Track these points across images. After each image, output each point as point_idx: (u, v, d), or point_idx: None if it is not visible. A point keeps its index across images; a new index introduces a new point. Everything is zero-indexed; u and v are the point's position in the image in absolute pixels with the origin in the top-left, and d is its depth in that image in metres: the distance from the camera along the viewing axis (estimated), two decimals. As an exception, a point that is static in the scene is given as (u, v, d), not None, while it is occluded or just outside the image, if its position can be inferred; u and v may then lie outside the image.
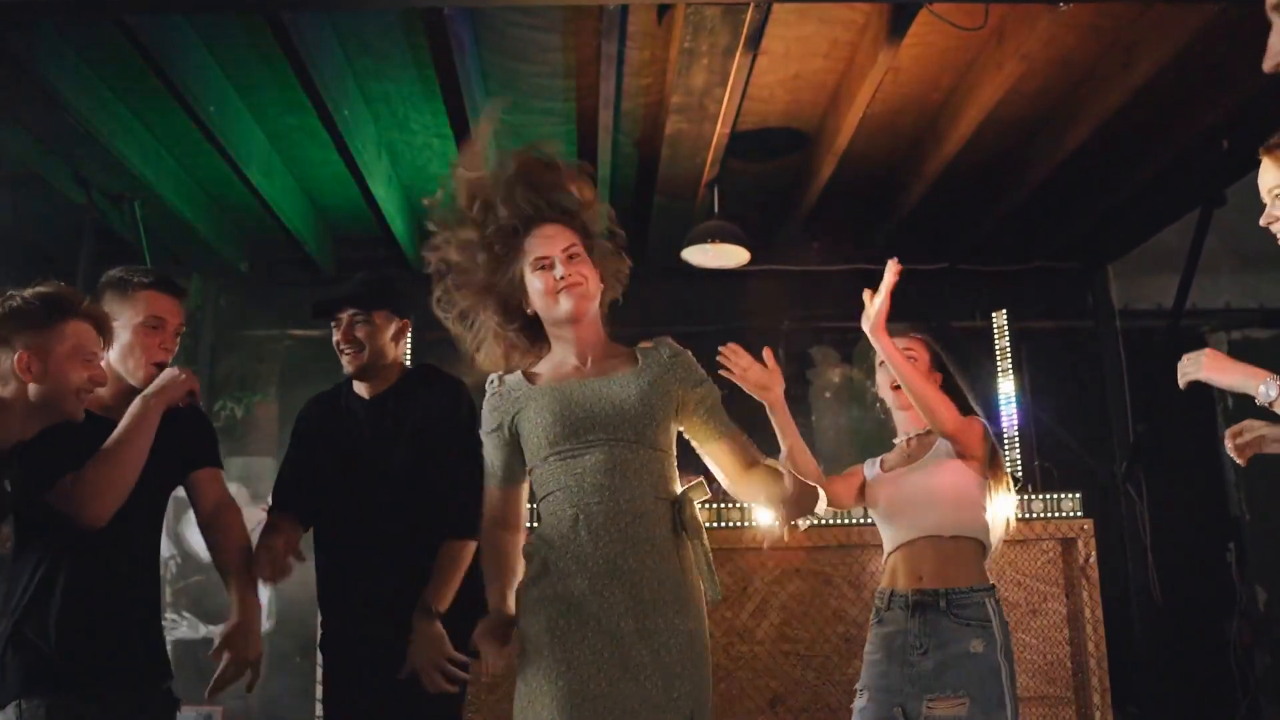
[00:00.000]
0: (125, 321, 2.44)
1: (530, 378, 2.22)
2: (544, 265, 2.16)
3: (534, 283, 2.17)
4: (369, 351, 2.74)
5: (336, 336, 2.77)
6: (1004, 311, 4.57)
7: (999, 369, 4.57)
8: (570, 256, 2.16)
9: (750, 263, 5.17)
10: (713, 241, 4.65)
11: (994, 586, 2.60)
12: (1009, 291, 5.47)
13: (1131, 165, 4.97)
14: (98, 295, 2.47)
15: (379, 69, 4.17)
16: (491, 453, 2.24)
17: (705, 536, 2.12)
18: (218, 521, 2.57)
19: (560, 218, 2.22)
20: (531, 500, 2.22)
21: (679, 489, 2.15)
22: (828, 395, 6.02)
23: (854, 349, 6.08)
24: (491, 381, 2.26)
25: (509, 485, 2.24)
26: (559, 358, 2.23)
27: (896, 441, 2.86)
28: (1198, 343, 6.43)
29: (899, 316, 2.81)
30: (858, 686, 2.68)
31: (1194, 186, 5.04)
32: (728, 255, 4.84)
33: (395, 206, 5.22)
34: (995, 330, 4.61)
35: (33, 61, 3.67)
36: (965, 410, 2.75)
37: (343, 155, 4.64)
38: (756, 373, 2.54)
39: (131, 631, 2.40)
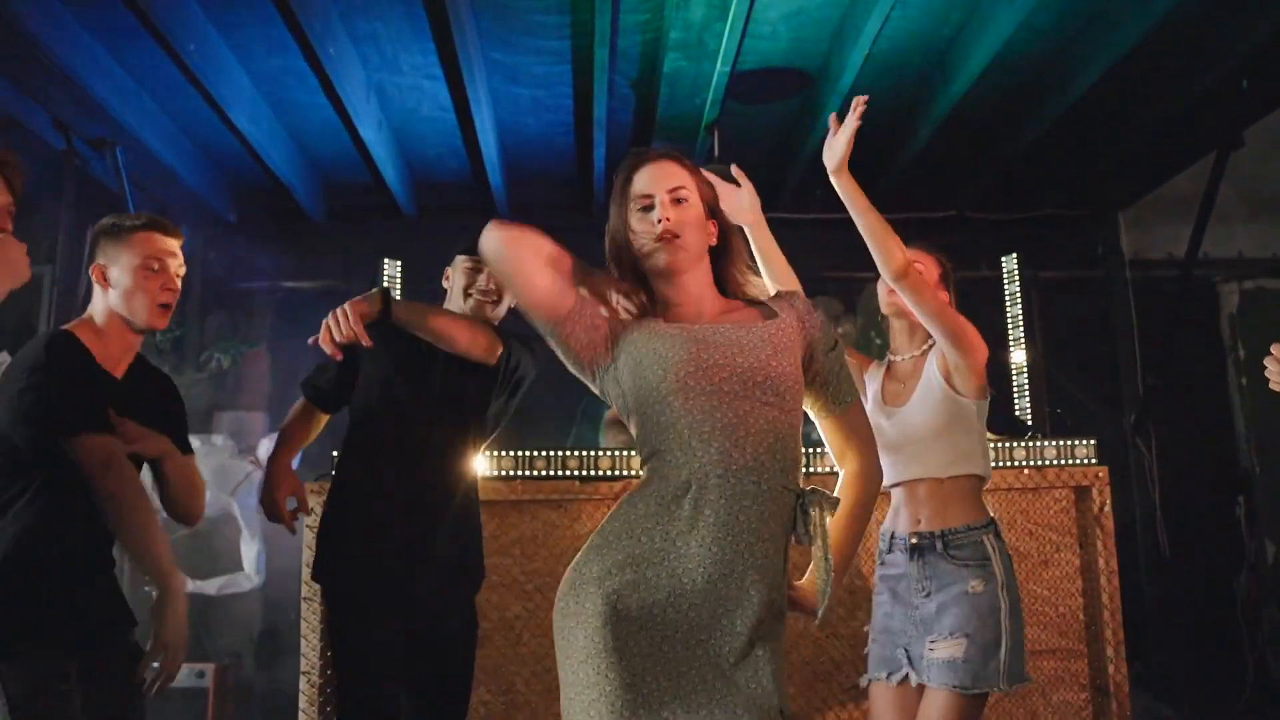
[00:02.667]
0: (124, 266, 2.36)
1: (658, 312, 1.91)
2: (645, 206, 1.88)
3: (635, 224, 1.89)
4: (499, 304, 2.76)
5: (472, 279, 2.74)
6: (1014, 256, 4.42)
7: (1008, 316, 4.43)
8: (676, 200, 1.87)
9: (751, 210, 5.03)
10: (712, 186, 4.50)
11: (993, 521, 2.52)
12: (1017, 240, 5.34)
13: (1146, 106, 4.83)
14: (93, 246, 2.41)
15: (366, 5, 4.01)
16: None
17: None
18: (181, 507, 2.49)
19: (673, 154, 1.93)
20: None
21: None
22: (831, 347, 5.89)
23: (858, 299, 5.95)
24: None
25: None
26: (668, 307, 1.91)
27: (892, 359, 2.74)
28: (1209, 293, 6.37)
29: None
30: (867, 629, 2.63)
31: (1210, 128, 4.89)
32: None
33: (386, 151, 5.07)
34: (1005, 275, 4.46)
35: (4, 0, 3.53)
36: None
37: (330, 98, 4.49)
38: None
39: (93, 585, 2.32)
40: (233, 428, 5.21)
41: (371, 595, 2.61)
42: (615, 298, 1.89)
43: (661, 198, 1.87)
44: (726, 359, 1.78)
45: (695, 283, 1.90)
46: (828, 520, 1.81)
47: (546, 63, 4.43)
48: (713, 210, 1.94)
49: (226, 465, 4.60)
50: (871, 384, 2.74)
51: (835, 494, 1.88)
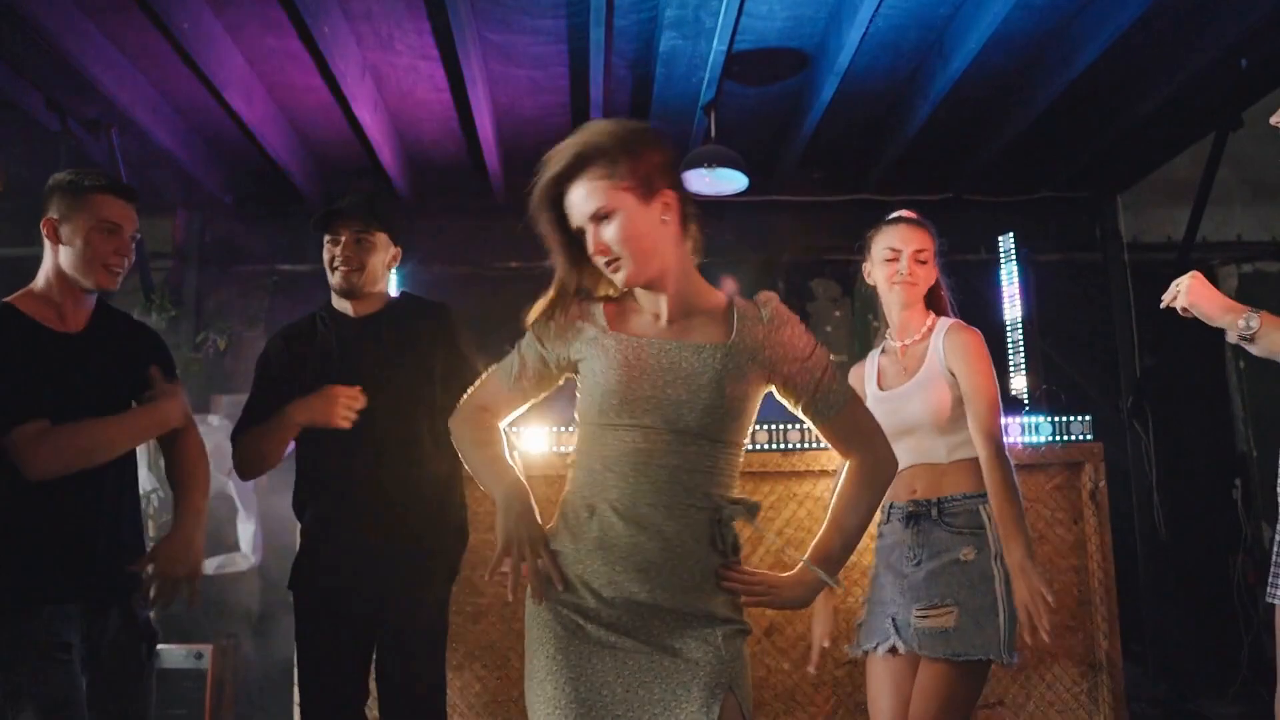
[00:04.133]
0: (77, 226, 2.32)
1: (610, 316, 1.88)
2: (580, 229, 1.82)
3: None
4: (365, 271, 2.71)
5: (332, 252, 2.72)
6: (1010, 235, 4.41)
7: (1005, 296, 4.42)
8: (600, 219, 1.78)
9: (749, 193, 5.04)
10: (709, 166, 4.50)
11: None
12: (1015, 222, 5.34)
13: (1144, 86, 4.81)
14: (46, 198, 2.35)
15: (360, -17, 4.00)
16: (529, 358, 1.91)
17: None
18: (177, 439, 2.50)
19: (586, 172, 1.80)
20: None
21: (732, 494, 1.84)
22: (829, 329, 5.90)
23: (855, 282, 5.94)
24: (570, 293, 1.89)
25: (519, 395, 1.95)
26: (642, 302, 1.89)
27: (889, 344, 2.71)
28: (1208, 276, 6.32)
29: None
30: (862, 600, 2.64)
31: (1209, 109, 4.88)
32: (726, 181, 4.69)
33: (381, 133, 5.06)
34: (1002, 255, 4.46)
35: (-6, -23, 3.52)
36: (940, 306, 2.68)
37: (325, 78, 4.49)
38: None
39: (86, 546, 2.31)
40: (229, 410, 5.20)
41: (323, 597, 2.64)
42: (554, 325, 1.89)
43: (588, 225, 1.80)
44: (656, 390, 1.78)
45: (664, 281, 1.84)
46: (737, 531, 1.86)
47: (543, 42, 4.41)
48: (653, 188, 1.81)
49: (222, 445, 4.59)
50: (869, 377, 2.70)
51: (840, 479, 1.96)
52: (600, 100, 4.67)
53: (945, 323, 2.62)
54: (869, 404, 2.65)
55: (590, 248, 1.80)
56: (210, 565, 4.49)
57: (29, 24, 3.76)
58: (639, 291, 1.87)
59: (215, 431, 4.64)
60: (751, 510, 1.84)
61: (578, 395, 1.88)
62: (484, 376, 1.98)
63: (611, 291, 1.91)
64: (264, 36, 4.34)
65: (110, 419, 2.31)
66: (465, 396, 1.99)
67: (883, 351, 2.73)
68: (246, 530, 4.55)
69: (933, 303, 2.69)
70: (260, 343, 5.76)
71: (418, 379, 2.69)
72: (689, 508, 1.77)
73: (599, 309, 1.88)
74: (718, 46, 4.21)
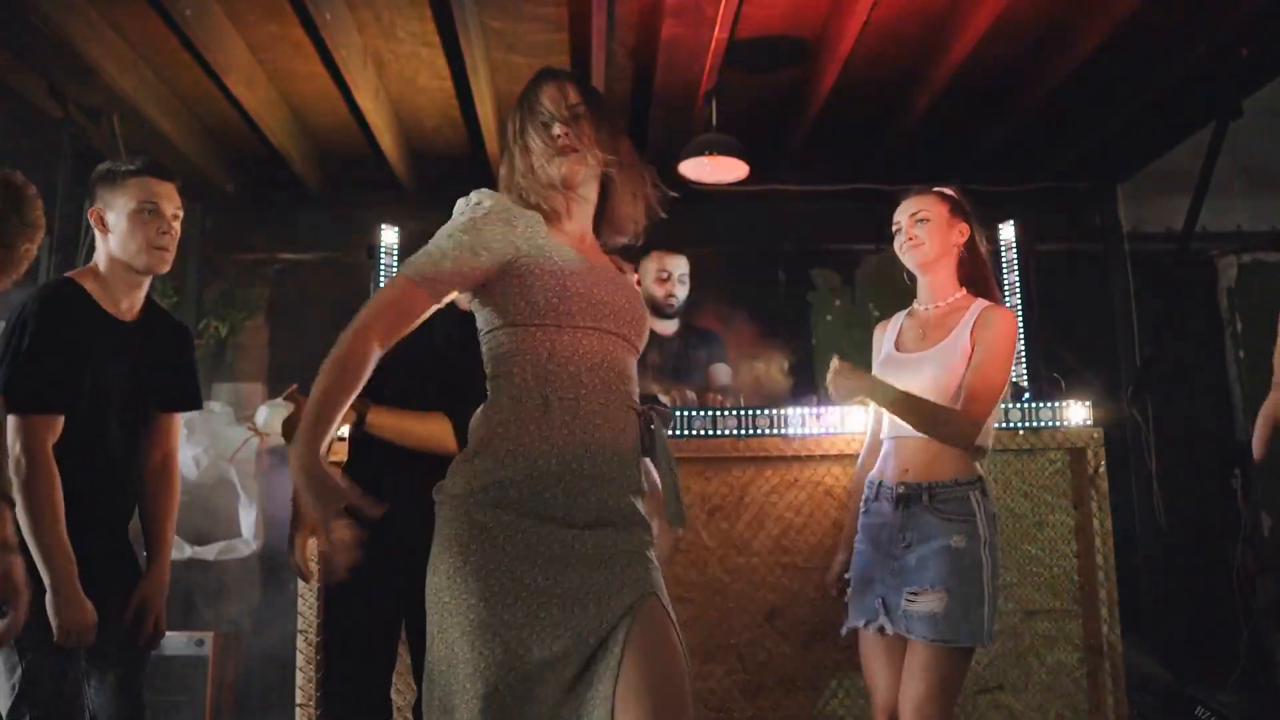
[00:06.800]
0: (120, 210, 2.40)
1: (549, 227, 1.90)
2: (545, 122, 1.92)
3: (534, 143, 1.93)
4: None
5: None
6: (1010, 224, 4.42)
7: (1005, 285, 4.42)
8: (576, 117, 1.92)
9: (750, 182, 5.03)
10: (710, 154, 4.50)
11: (981, 479, 2.51)
12: (1015, 212, 5.33)
13: (1144, 75, 4.80)
14: (90, 190, 2.45)
15: (362, -30, 4.00)
16: (456, 255, 1.78)
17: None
18: (165, 472, 2.59)
19: (573, 74, 2.02)
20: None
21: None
22: (829, 319, 5.91)
23: (856, 271, 5.95)
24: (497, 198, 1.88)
25: (434, 298, 1.79)
26: (570, 226, 1.94)
27: (915, 308, 2.71)
28: (1207, 266, 6.37)
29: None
30: (847, 575, 2.65)
31: (1209, 98, 4.88)
32: (726, 168, 4.69)
33: (383, 121, 5.06)
34: (1002, 244, 4.46)
35: (-4, -39, 3.52)
36: (982, 286, 2.64)
37: (327, 66, 4.48)
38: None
39: (105, 534, 2.39)
40: (232, 398, 5.22)
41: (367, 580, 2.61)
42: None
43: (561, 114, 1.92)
44: (612, 297, 1.87)
45: (584, 208, 1.96)
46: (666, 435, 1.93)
47: (544, 30, 4.41)
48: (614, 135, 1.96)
49: (224, 432, 4.60)
50: (889, 337, 2.72)
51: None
52: (601, 88, 4.67)
53: (981, 303, 2.59)
54: (881, 362, 2.70)
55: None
56: (211, 551, 4.49)
57: (31, 10, 3.76)
58: (575, 210, 1.94)
59: (216, 418, 4.64)
60: (663, 416, 1.94)
61: (503, 297, 1.83)
62: (392, 287, 1.80)
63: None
64: (266, 23, 4.34)
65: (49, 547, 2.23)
66: (374, 308, 1.77)
67: (909, 314, 2.74)
68: (248, 516, 4.55)
69: (973, 277, 2.67)
70: (262, 332, 5.81)
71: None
72: (628, 410, 1.86)
73: (537, 217, 1.88)
74: (719, 34, 4.21)
